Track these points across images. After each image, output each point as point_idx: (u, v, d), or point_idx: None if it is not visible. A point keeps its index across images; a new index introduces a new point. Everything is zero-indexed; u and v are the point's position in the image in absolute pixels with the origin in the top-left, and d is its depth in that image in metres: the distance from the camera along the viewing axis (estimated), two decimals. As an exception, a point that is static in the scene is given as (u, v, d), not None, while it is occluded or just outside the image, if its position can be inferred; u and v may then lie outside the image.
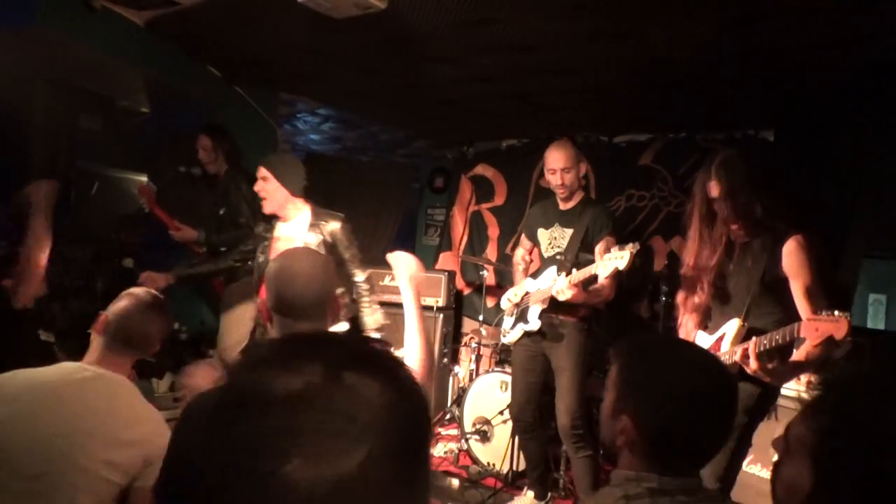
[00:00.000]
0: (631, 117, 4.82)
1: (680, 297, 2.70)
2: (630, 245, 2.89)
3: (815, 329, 2.09)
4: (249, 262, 3.46)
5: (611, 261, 2.93)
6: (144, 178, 4.97)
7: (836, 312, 2.06)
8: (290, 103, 5.10)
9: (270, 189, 3.17)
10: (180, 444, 0.59)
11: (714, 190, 2.42)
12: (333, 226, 3.23)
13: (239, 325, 3.93)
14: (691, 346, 1.45)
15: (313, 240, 3.20)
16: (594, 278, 3.16)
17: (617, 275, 3.04)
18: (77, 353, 2.09)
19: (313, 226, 3.24)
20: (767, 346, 2.26)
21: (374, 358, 0.60)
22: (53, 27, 3.18)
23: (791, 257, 2.34)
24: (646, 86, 3.86)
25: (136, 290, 1.98)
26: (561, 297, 3.17)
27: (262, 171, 3.16)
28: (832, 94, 3.71)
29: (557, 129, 5.27)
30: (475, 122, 5.25)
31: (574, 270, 3.22)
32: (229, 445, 0.53)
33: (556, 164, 3.35)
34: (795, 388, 3.20)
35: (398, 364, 0.62)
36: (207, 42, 3.79)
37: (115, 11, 3.39)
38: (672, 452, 1.24)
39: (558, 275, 3.33)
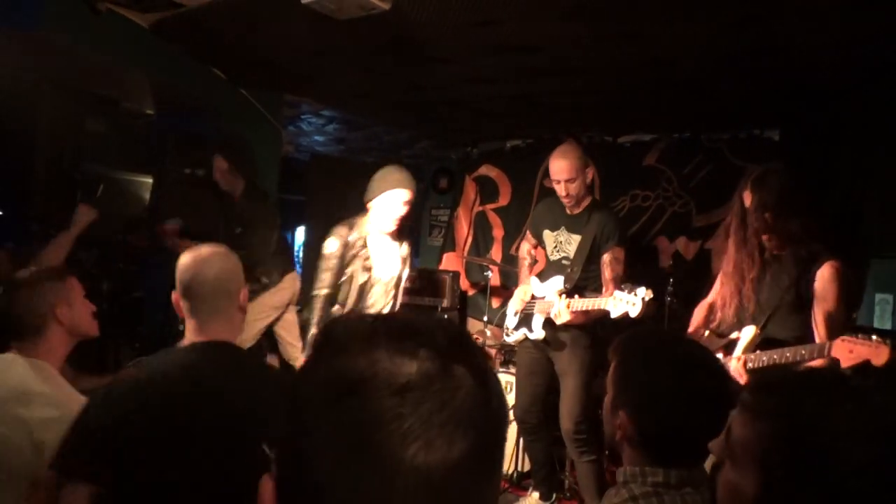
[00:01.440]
0: (635, 117, 4.81)
1: (710, 298, 2.72)
2: (645, 291, 2.86)
3: (848, 350, 2.09)
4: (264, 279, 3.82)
5: (622, 303, 2.90)
6: (149, 180, 4.98)
7: (875, 337, 2.06)
8: (295, 105, 5.10)
9: (407, 210, 3.24)
10: (296, 425, 0.59)
11: (747, 200, 2.44)
12: (408, 232, 3.41)
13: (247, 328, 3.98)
14: (686, 342, 1.47)
15: (406, 252, 3.40)
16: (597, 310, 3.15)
17: (620, 282, 3.06)
18: (79, 353, 2.10)
19: (404, 237, 3.38)
20: (780, 360, 2.27)
21: (475, 351, 0.61)
22: (59, 30, 3.19)
23: (823, 282, 2.35)
24: (650, 86, 3.85)
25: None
26: (558, 321, 3.17)
27: (407, 196, 3.17)
28: (838, 92, 3.70)
29: (561, 129, 5.27)
30: (479, 122, 5.25)
31: (576, 297, 3.21)
32: (350, 429, 0.54)
33: (560, 175, 3.24)
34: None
35: (488, 358, 0.63)
36: (212, 44, 3.80)
37: (119, 14, 3.40)
38: (670, 446, 1.26)
39: (563, 287, 3.30)
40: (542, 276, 3.54)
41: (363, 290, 3.26)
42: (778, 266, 2.47)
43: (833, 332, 2.28)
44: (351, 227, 3.25)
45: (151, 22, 3.52)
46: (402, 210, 3.18)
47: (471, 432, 0.56)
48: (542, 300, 3.42)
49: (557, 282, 3.36)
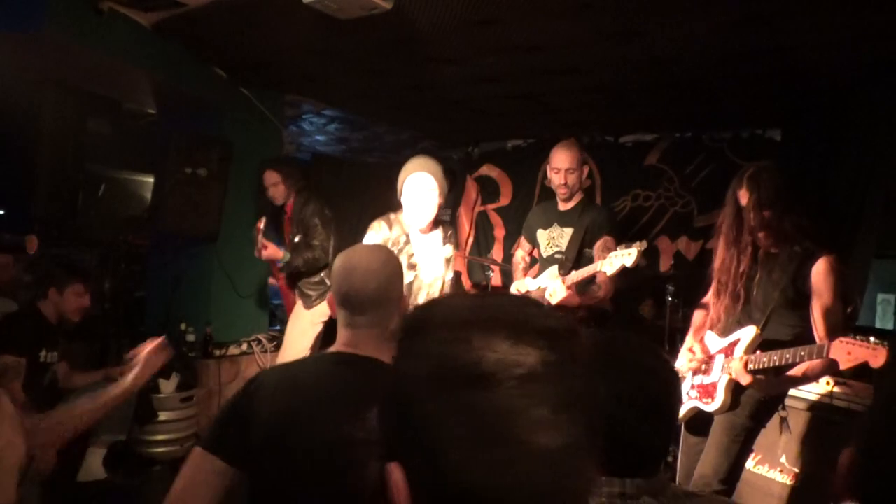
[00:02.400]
0: (637, 117, 4.81)
1: (708, 296, 2.72)
2: (637, 243, 2.89)
3: (846, 352, 2.10)
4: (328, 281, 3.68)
5: (617, 258, 2.91)
6: (151, 180, 4.99)
7: (873, 340, 2.07)
8: (296, 105, 5.11)
9: (434, 200, 2.99)
10: (410, 413, 0.60)
11: (743, 198, 2.44)
12: (453, 229, 3.25)
13: (302, 338, 4.20)
14: (635, 345, 1.41)
15: (450, 253, 3.16)
16: (591, 279, 3.15)
17: (617, 276, 3.03)
18: (81, 353, 2.10)
19: (447, 237, 3.17)
20: (781, 362, 2.27)
21: (581, 337, 0.63)
22: (61, 30, 3.19)
23: (819, 277, 2.36)
24: (651, 85, 3.85)
25: None
26: (553, 300, 3.17)
27: (428, 181, 2.93)
28: (840, 92, 3.69)
29: (563, 129, 5.26)
30: (480, 122, 5.25)
31: (573, 271, 3.22)
32: (478, 419, 0.56)
33: (562, 163, 3.36)
34: (813, 391, 3.17)
35: (590, 347, 0.65)
36: (214, 44, 3.81)
37: (122, 14, 3.41)
38: (623, 455, 1.20)
39: (559, 273, 3.32)
40: (538, 273, 3.57)
41: (408, 292, 2.94)
42: (773, 264, 2.47)
43: (832, 327, 2.29)
44: (390, 223, 3.06)
45: (153, 22, 3.53)
46: (425, 197, 2.94)
47: (584, 415, 0.59)
48: (536, 291, 3.44)
49: (552, 272, 3.40)
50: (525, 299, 0.66)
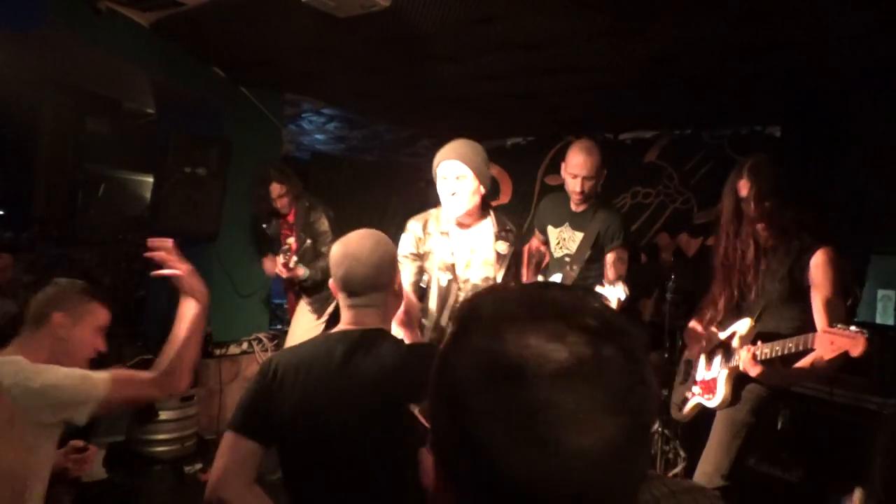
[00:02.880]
0: (636, 114, 4.80)
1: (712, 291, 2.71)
2: (620, 290, 2.61)
3: (829, 342, 2.10)
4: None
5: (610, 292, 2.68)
6: (150, 179, 4.99)
7: (853, 328, 2.07)
8: (295, 103, 5.10)
9: (469, 187, 2.61)
10: (454, 404, 0.60)
11: (743, 190, 2.44)
12: (517, 229, 2.81)
13: (306, 336, 4.13)
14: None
15: (504, 250, 2.72)
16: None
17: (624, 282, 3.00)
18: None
19: (502, 232, 2.75)
20: (772, 354, 2.27)
21: (625, 330, 0.61)
22: (60, 30, 3.19)
23: (818, 269, 2.36)
24: (651, 83, 3.84)
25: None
26: None
27: (460, 168, 2.61)
28: (840, 88, 3.69)
29: (562, 126, 5.27)
30: (480, 120, 5.24)
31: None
32: (509, 413, 0.55)
33: (580, 170, 3.12)
34: (813, 387, 3.17)
35: (638, 334, 0.62)
36: (212, 43, 3.80)
37: (120, 13, 3.40)
38: None
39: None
40: (546, 273, 3.52)
41: (447, 295, 2.71)
42: (772, 257, 2.48)
43: (833, 319, 2.28)
44: (426, 221, 2.78)
45: (152, 21, 3.52)
46: (455, 186, 2.61)
47: (624, 413, 0.56)
48: None
49: (556, 279, 3.34)
50: (577, 293, 0.64)
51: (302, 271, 4.13)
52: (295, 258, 4.08)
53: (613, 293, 2.67)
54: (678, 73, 3.61)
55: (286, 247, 4.12)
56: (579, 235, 3.32)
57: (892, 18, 2.67)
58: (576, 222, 3.35)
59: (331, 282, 1.77)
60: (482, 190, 2.70)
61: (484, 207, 2.78)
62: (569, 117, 4.91)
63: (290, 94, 4.85)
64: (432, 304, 2.73)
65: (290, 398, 1.63)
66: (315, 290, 4.30)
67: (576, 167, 3.14)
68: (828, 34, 2.90)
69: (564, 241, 3.39)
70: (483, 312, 0.62)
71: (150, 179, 5.01)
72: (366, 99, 4.81)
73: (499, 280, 2.75)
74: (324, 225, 4.23)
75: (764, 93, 3.90)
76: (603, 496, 0.56)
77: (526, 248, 3.72)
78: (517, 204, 5.70)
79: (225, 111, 4.47)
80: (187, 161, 4.18)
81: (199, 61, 4.13)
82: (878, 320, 5.16)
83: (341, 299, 1.76)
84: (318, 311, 4.33)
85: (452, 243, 2.74)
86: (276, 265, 4.17)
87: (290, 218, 4.39)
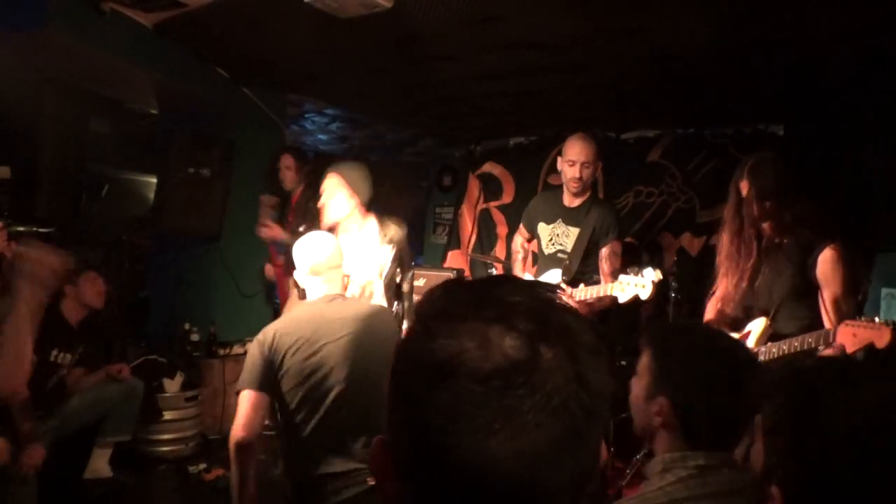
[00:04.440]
0: (639, 113, 4.80)
1: (718, 292, 2.70)
2: (654, 273, 2.84)
3: (852, 335, 2.09)
4: None
5: (630, 287, 2.87)
6: (154, 180, 5.00)
7: (877, 319, 2.06)
8: (298, 103, 5.11)
9: (340, 200, 3.06)
10: (398, 397, 0.61)
11: (744, 189, 2.43)
12: (401, 232, 3.20)
13: None
14: (719, 332, 1.57)
15: (387, 254, 3.13)
16: (596, 279, 3.13)
17: (618, 275, 3.02)
18: (89, 352, 2.12)
19: (383, 237, 3.16)
20: (779, 354, 2.27)
21: (568, 328, 0.60)
22: (63, 30, 3.20)
23: (825, 266, 2.35)
24: (653, 82, 3.84)
25: None
26: None
27: (334, 181, 3.07)
28: (842, 86, 3.68)
29: (565, 125, 5.25)
30: (482, 120, 5.25)
31: (581, 285, 3.19)
32: (439, 413, 0.55)
33: (579, 156, 3.22)
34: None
35: (585, 333, 0.61)
36: (215, 43, 3.81)
37: (123, 14, 3.41)
38: (711, 430, 1.31)
39: (562, 279, 3.28)
40: (538, 271, 3.51)
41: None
42: (779, 255, 2.46)
43: (843, 316, 2.27)
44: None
45: (155, 22, 3.53)
46: (325, 198, 3.10)
47: (564, 415, 0.55)
48: None
49: (555, 275, 3.34)
50: (528, 290, 0.62)
51: (284, 235, 4.12)
52: (273, 213, 4.21)
53: (629, 291, 2.85)
54: (680, 72, 3.61)
55: (260, 203, 4.28)
56: (574, 231, 3.32)
57: (894, 15, 2.66)
58: (570, 218, 3.36)
59: (291, 280, 2.10)
60: (353, 200, 3.14)
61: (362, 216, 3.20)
62: (571, 116, 4.90)
63: (292, 95, 4.86)
64: None
65: (293, 356, 2.13)
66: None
67: (573, 153, 3.25)
68: (830, 32, 2.90)
69: (558, 236, 3.39)
70: (430, 309, 0.62)
71: (154, 179, 5.03)
72: (368, 99, 4.81)
73: (384, 274, 3.17)
74: (316, 213, 4.25)
75: (767, 91, 3.90)
76: (542, 495, 0.56)
77: (513, 246, 3.74)
78: (520, 204, 5.69)
79: (228, 111, 4.48)
80: (190, 161, 4.19)
81: (202, 62, 4.13)
82: (882, 318, 5.16)
83: (313, 284, 2.34)
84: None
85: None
86: (275, 267, 4.22)
87: (294, 200, 4.40)
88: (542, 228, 3.47)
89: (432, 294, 0.64)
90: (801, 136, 4.26)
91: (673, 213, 4.86)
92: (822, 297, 2.36)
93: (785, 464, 0.97)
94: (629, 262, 3.43)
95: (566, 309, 0.62)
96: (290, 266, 4.21)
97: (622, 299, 2.93)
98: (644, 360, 1.42)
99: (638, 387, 1.42)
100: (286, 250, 4.02)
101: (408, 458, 0.59)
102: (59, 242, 4.65)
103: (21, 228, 2.33)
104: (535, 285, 0.64)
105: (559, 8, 2.83)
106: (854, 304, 2.40)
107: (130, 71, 3.79)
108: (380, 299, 3.15)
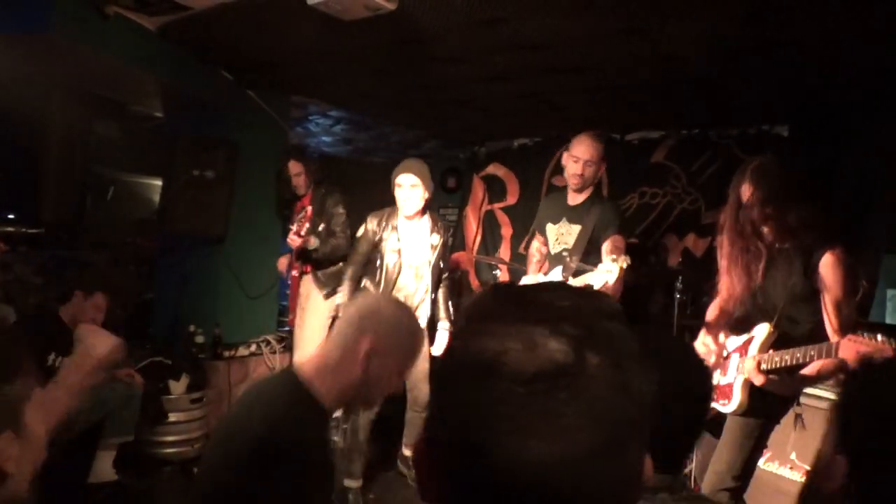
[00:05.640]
0: (643, 114, 4.79)
1: (722, 295, 2.68)
2: (622, 258, 2.92)
3: (856, 351, 2.08)
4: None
5: (601, 273, 2.95)
6: (158, 182, 5.01)
7: (880, 337, 2.06)
8: (302, 106, 5.11)
9: (419, 194, 3.56)
10: (443, 396, 0.63)
11: (746, 193, 2.40)
12: (446, 225, 3.68)
13: (321, 329, 4.22)
14: (664, 338, 1.42)
15: (437, 241, 3.66)
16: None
17: (624, 276, 3.02)
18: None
19: (435, 226, 3.69)
20: (781, 364, 2.26)
21: (613, 335, 0.60)
22: (68, 34, 3.21)
23: (826, 270, 2.34)
24: (658, 82, 3.83)
25: None
26: None
27: (412, 179, 3.54)
28: (848, 88, 3.67)
29: (569, 127, 5.24)
30: (486, 121, 5.24)
31: (571, 278, 3.21)
32: (480, 413, 0.56)
33: (583, 154, 3.30)
34: (827, 389, 3.13)
35: (631, 341, 0.61)
36: (219, 46, 3.82)
37: (127, 18, 3.42)
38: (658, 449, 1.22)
39: (563, 276, 3.29)
40: (547, 271, 3.55)
41: (392, 273, 3.60)
42: (782, 259, 2.44)
43: (844, 321, 2.27)
44: (381, 216, 3.69)
45: (159, 25, 3.54)
46: (408, 193, 3.54)
47: (605, 423, 0.55)
48: None
49: (556, 273, 3.36)
50: (573, 296, 0.62)
51: (313, 241, 4.22)
52: (308, 225, 4.29)
53: (601, 278, 2.93)
54: (685, 73, 3.60)
55: (301, 214, 4.37)
56: (576, 228, 3.36)
57: (900, 17, 2.65)
58: (572, 216, 3.40)
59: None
60: (427, 195, 3.63)
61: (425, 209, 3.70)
62: (575, 118, 4.89)
63: (296, 97, 4.86)
64: (382, 279, 3.63)
65: None
66: (326, 264, 4.34)
67: (579, 151, 3.33)
68: (836, 33, 2.89)
69: (562, 235, 3.43)
70: (477, 310, 0.63)
71: (158, 182, 5.04)
72: (372, 101, 4.81)
73: (431, 261, 3.65)
74: (339, 209, 4.35)
75: (772, 92, 3.88)
76: (584, 501, 0.56)
77: (530, 250, 3.79)
78: (524, 205, 5.69)
79: (232, 114, 4.48)
80: (195, 164, 4.20)
81: (206, 64, 4.14)
82: (888, 320, 5.12)
83: None
84: (328, 286, 4.29)
85: (402, 234, 3.66)
86: (294, 268, 4.31)
87: (306, 202, 4.47)
88: (550, 229, 3.53)
89: (480, 296, 0.65)
90: (806, 137, 4.25)
91: (678, 214, 4.84)
92: (824, 301, 2.35)
93: (848, 439, 1.12)
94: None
95: (613, 316, 0.62)
96: (313, 264, 4.38)
97: (596, 285, 2.96)
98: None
99: None
100: (317, 251, 4.26)
101: (448, 457, 0.59)
102: (65, 245, 4.70)
103: (10, 229, 2.26)
104: (584, 292, 0.64)
105: (563, 9, 2.83)
106: (854, 306, 2.38)
107: (135, 74, 3.80)
108: (427, 284, 3.66)
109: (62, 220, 4.57)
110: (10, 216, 4.50)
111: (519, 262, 5.13)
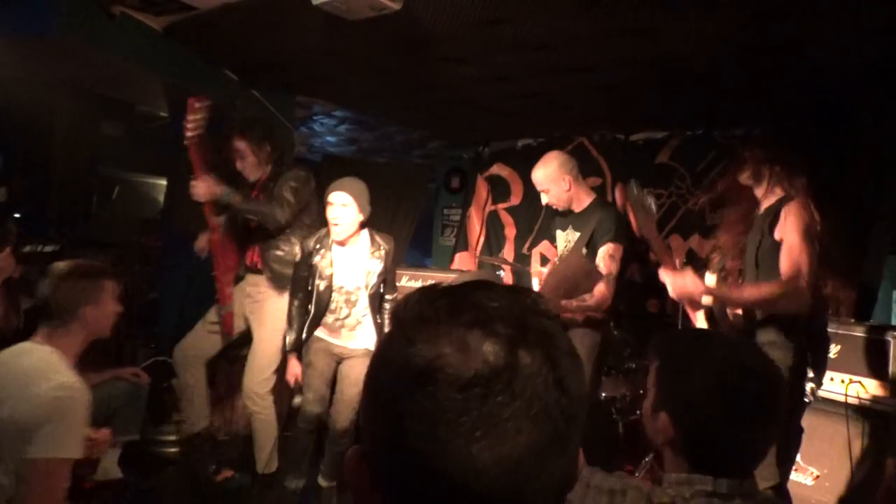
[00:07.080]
0: (647, 115, 4.79)
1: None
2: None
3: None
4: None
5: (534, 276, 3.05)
6: (164, 182, 5.03)
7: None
8: (307, 106, 5.13)
9: (351, 214, 3.17)
10: (377, 405, 0.61)
11: (748, 157, 2.55)
12: (388, 247, 3.32)
13: (277, 338, 3.52)
14: (729, 342, 1.39)
15: (377, 267, 3.29)
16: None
17: (616, 280, 3.09)
18: (98, 352, 2.13)
19: (374, 249, 3.31)
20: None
21: (546, 333, 0.59)
22: (74, 35, 3.22)
23: (787, 219, 2.33)
24: (662, 83, 3.82)
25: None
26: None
27: (344, 197, 3.14)
28: (853, 87, 3.66)
29: (573, 127, 5.26)
30: (490, 121, 5.25)
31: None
32: (420, 421, 0.55)
33: (537, 184, 3.36)
34: (828, 390, 3.12)
35: (562, 338, 0.61)
36: (224, 46, 3.83)
37: (133, 18, 3.43)
38: (712, 452, 1.20)
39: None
40: None
41: (323, 296, 3.27)
42: (756, 224, 2.51)
43: (794, 261, 2.25)
44: (316, 237, 3.29)
45: (164, 25, 3.55)
46: (338, 212, 3.14)
47: (545, 421, 0.56)
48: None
49: (535, 285, 3.39)
50: (507, 294, 0.62)
51: (220, 190, 3.28)
52: (201, 165, 3.27)
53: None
54: (689, 73, 3.59)
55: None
56: (576, 236, 3.36)
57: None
58: (577, 223, 3.40)
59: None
60: (360, 215, 3.23)
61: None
62: (579, 118, 4.89)
63: (301, 97, 4.87)
64: (314, 305, 3.31)
65: None
66: (268, 244, 3.47)
67: (535, 181, 3.39)
68: (840, 32, 2.88)
69: (569, 242, 3.43)
70: (407, 314, 0.61)
71: (164, 182, 5.06)
72: (377, 101, 4.82)
73: (370, 284, 3.28)
74: (292, 182, 3.39)
75: (776, 92, 3.88)
76: (526, 501, 0.56)
77: (531, 269, 3.88)
78: (528, 205, 5.69)
79: (237, 114, 4.49)
80: (200, 163, 4.19)
81: (212, 64, 4.15)
82: (894, 321, 5.11)
83: None
84: (285, 285, 3.44)
85: (335, 257, 3.27)
86: (213, 233, 3.47)
87: (257, 190, 3.51)
88: (559, 236, 3.52)
89: (409, 299, 0.63)
90: (810, 137, 4.23)
91: (682, 214, 4.83)
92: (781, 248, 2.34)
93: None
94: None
95: (544, 313, 0.61)
96: (231, 228, 3.54)
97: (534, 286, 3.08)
98: (651, 373, 1.33)
99: (647, 400, 1.33)
100: (226, 210, 3.42)
101: (387, 468, 0.58)
102: (71, 244, 4.71)
103: (28, 249, 2.30)
104: (513, 290, 0.63)
105: (568, 9, 2.83)
106: (812, 253, 2.28)
107: (141, 74, 3.82)
108: (363, 309, 3.33)
109: (68, 219, 4.59)
110: (17, 215, 4.53)
111: (522, 263, 5.14)
